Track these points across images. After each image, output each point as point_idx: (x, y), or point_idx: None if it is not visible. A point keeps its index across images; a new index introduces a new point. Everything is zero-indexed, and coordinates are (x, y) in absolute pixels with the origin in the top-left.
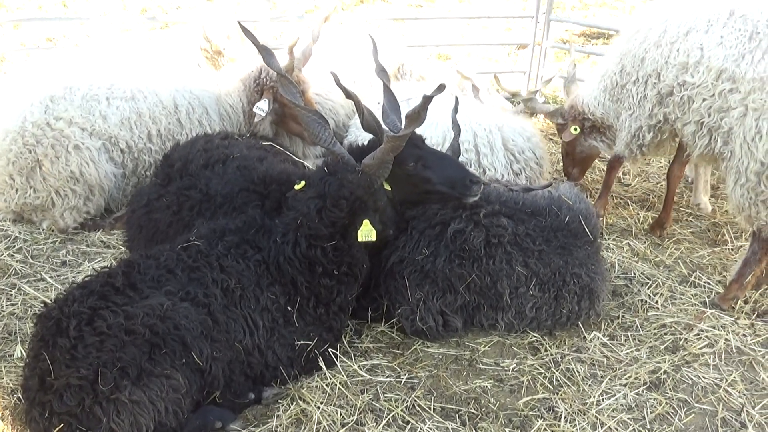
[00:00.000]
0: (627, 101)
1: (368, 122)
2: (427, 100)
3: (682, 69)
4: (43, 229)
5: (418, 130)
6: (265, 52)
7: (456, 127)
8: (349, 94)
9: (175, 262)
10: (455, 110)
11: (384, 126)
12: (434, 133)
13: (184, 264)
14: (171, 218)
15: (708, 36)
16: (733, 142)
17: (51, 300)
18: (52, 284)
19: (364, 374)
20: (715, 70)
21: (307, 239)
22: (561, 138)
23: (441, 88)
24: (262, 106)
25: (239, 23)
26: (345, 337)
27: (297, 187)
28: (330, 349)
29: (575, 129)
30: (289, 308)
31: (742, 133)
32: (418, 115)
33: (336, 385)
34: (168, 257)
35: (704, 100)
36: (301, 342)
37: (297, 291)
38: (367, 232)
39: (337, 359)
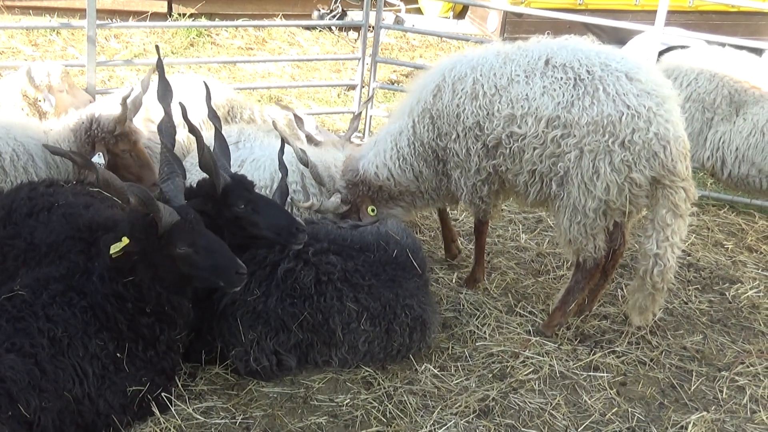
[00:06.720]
0: (453, 160)
1: (206, 161)
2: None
3: (509, 121)
4: None
5: (248, 171)
6: (165, 91)
7: (283, 168)
8: (193, 129)
9: None
10: (281, 151)
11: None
12: (263, 176)
13: (9, 314)
14: None
15: (530, 86)
16: (570, 183)
17: None
18: None
19: (198, 417)
20: (545, 118)
21: (108, 272)
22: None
23: None
24: (99, 161)
25: (157, 47)
26: (179, 381)
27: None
28: (163, 393)
29: (372, 210)
30: (118, 354)
31: (579, 174)
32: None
33: (170, 429)
34: None
35: (535, 149)
36: (134, 387)
37: (123, 335)
38: (117, 248)
39: (170, 403)
